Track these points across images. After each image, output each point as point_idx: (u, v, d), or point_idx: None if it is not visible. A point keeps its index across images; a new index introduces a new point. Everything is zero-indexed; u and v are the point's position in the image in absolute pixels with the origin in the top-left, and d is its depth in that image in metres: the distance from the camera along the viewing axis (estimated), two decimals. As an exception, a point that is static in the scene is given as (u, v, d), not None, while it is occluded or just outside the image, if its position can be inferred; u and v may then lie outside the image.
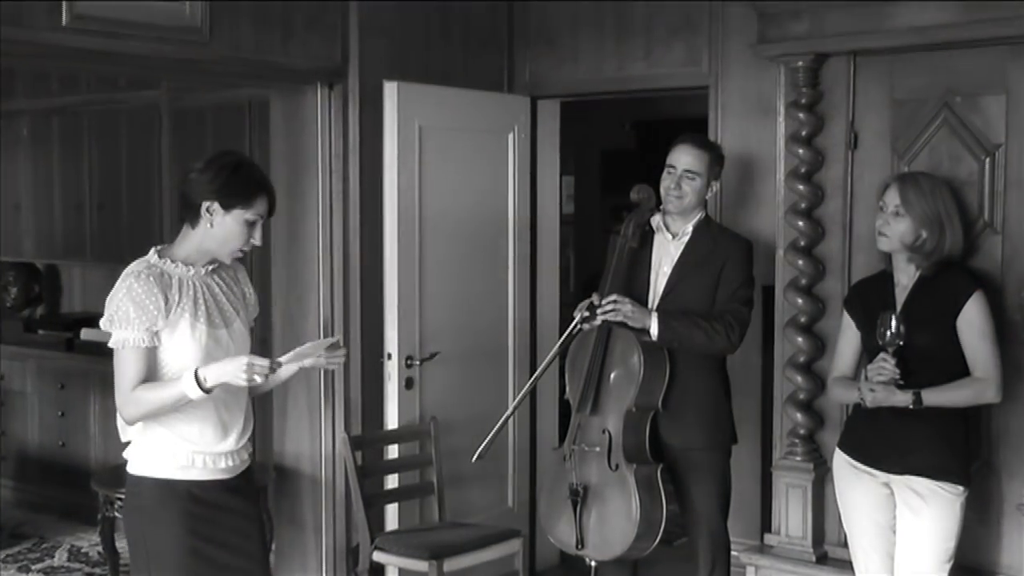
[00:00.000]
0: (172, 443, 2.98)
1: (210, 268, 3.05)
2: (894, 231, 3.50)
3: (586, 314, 3.78)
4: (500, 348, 5.16)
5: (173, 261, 2.99)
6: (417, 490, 4.68)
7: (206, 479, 3.01)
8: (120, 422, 3.03)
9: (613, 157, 8.39)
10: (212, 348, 2.97)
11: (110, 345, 2.92)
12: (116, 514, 4.70)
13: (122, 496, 4.62)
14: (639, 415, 3.79)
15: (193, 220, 2.99)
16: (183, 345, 2.93)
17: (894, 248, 3.53)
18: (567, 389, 3.94)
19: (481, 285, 5.04)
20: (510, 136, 5.13)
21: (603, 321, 3.78)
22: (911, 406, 3.40)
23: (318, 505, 4.67)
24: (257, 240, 3.01)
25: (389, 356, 4.65)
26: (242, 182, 2.97)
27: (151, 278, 2.91)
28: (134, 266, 2.97)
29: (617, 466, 3.76)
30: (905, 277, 3.56)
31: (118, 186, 6.34)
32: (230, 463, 3.06)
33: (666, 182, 3.90)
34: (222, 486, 3.05)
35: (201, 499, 3.00)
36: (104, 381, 5.95)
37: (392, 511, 4.65)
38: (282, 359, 2.96)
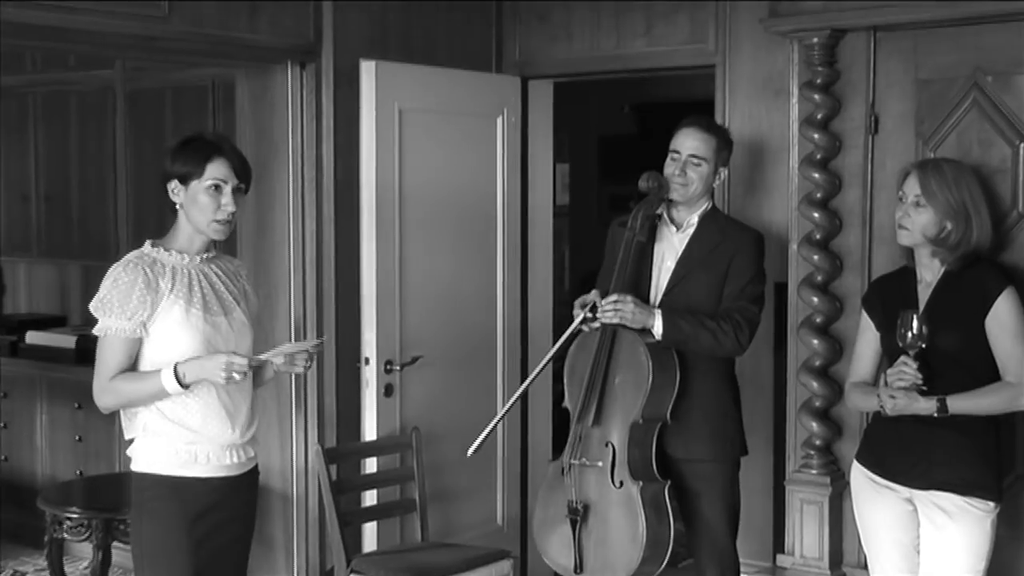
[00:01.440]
0: (175, 437, 3.16)
1: (207, 256, 3.26)
2: (915, 223, 3.51)
3: (588, 314, 3.78)
4: (488, 352, 5.17)
5: (167, 250, 3.20)
6: (397, 507, 4.69)
7: (211, 476, 3.19)
8: (124, 420, 3.22)
9: (611, 143, 8.41)
10: (211, 335, 3.17)
11: (94, 332, 3.15)
12: (65, 535, 4.71)
13: (71, 516, 4.66)
14: (646, 427, 3.80)
15: (172, 206, 3.21)
16: (178, 332, 3.12)
17: (916, 242, 3.54)
18: (565, 397, 3.95)
19: (467, 283, 5.05)
20: (499, 120, 5.14)
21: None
22: (935, 414, 3.41)
23: (289, 524, 4.68)
24: (229, 206, 3.17)
25: (367, 360, 4.66)
26: (190, 152, 3.19)
27: (139, 267, 3.12)
28: (127, 256, 3.17)
29: (621, 483, 3.76)
30: (929, 273, 3.58)
31: (67, 175, 6.34)
32: (235, 459, 3.25)
33: (670, 168, 3.91)
34: (227, 484, 3.24)
35: (205, 497, 3.18)
36: (52, 389, 6.01)
37: (370, 530, 4.67)
38: (262, 357, 3.15)
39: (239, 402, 3.26)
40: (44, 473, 6.12)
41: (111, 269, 3.15)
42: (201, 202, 3.16)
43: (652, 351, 3.74)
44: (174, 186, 3.19)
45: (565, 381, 3.94)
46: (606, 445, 3.80)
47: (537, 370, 3.92)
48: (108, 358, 3.14)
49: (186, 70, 5.59)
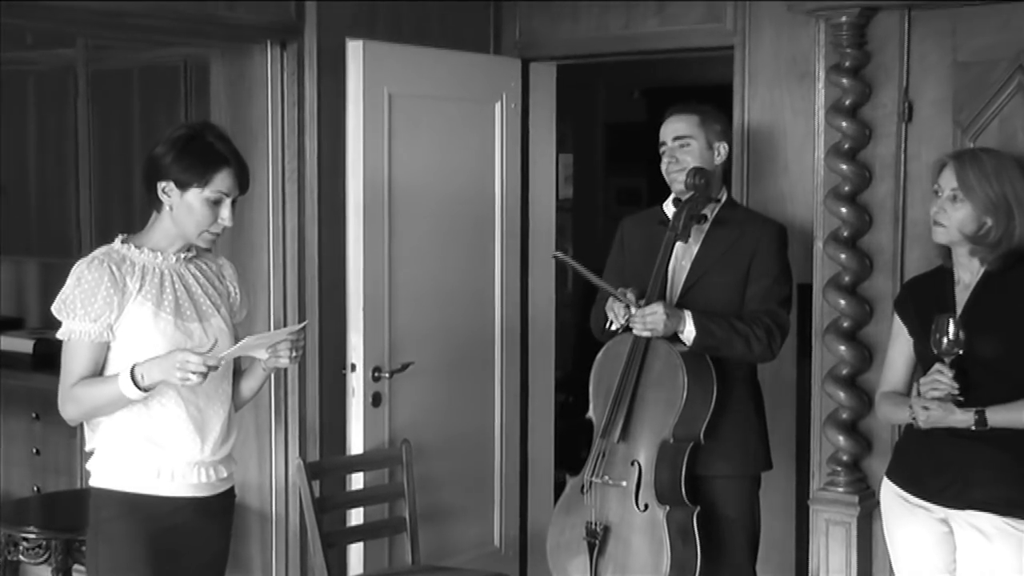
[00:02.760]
0: (138, 450, 3.14)
1: (185, 256, 3.24)
2: (952, 219, 3.51)
3: (623, 322, 3.80)
4: (485, 358, 5.18)
5: (139, 247, 3.18)
6: (386, 527, 4.69)
7: (175, 495, 3.16)
8: (88, 431, 3.21)
9: (619, 131, 8.41)
10: (181, 342, 3.14)
11: (57, 336, 3.14)
12: (21, 557, 4.70)
13: (28, 536, 4.66)
14: (676, 447, 3.80)
15: (156, 204, 3.19)
16: (144, 337, 3.10)
17: (952, 240, 3.54)
18: (590, 408, 3.96)
19: (462, 283, 5.06)
20: (497, 106, 5.14)
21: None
22: (973, 427, 3.41)
23: (267, 545, 4.68)
24: (227, 220, 3.18)
25: (353, 367, 4.67)
26: (195, 157, 3.15)
27: (105, 265, 3.10)
28: (94, 252, 3.17)
29: (646, 506, 3.77)
30: (967, 274, 3.58)
31: (24, 165, 6.33)
32: (204, 478, 3.22)
33: (664, 164, 3.99)
34: (195, 506, 3.20)
35: (169, 520, 3.15)
36: (7, 397, 5.98)
37: (356, 552, 4.67)
38: (222, 355, 3.08)
39: (211, 415, 3.23)
40: (-2, 490, 6.13)
41: (75, 267, 3.14)
42: (198, 212, 3.15)
43: (689, 364, 3.75)
44: (167, 187, 3.15)
45: (591, 391, 3.96)
46: (632, 464, 3.81)
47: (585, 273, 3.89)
48: (72, 364, 3.12)
49: (155, 49, 5.58)
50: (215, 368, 3.02)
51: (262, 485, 4.67)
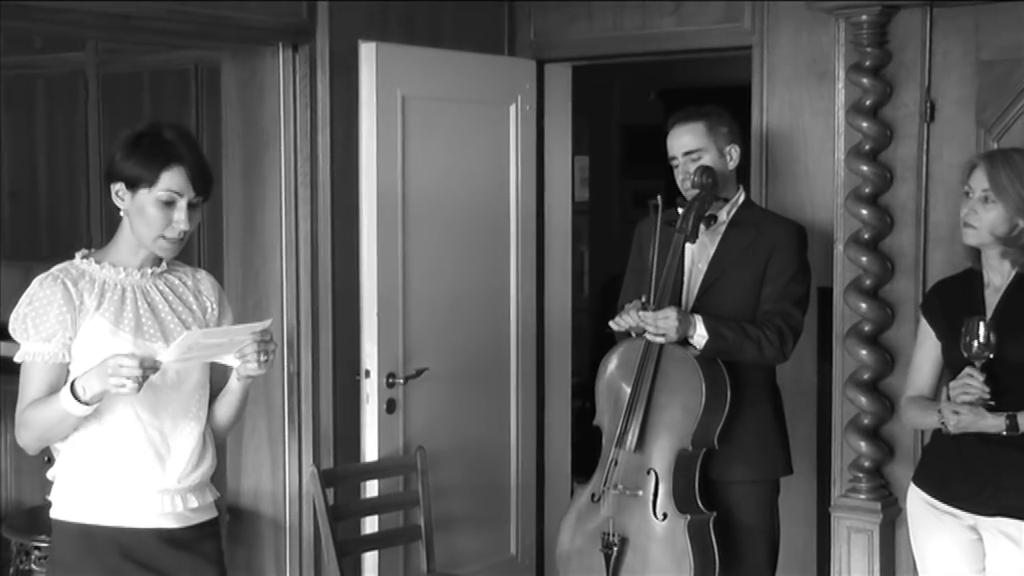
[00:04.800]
0: (95, 477, 2.96)
1: (153, 272, 3.04)
2: (983, 221, 3.49)
3: (634, 326, 3.78)
4: (500, 363, 5.17)
5: (99, 263, 2.99)
6: (401, 535, 4.68)
7: (138, 527, 2.97)
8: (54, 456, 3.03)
9: (636, 133, 8.41)
10: None
11: (15, 359, 2.95)
12: (33, 566, 4.71)
13: (40, 544, 4.66)
14: (693, 454, 3.80)
15: (118, 210, 3.00)
16: (100, 357, 2.83)
17: (983, 241, 3.53)
18: (597, 414, 3.94)
19: (477, 288, 5.05)
20: (512, 108, 5.14)
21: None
22: (1004, 432, 3.39)
23: (281, 553, 4.67)
24: (182, 224, 2.94)
25: (367, 373, 4.66)
26: (142, 154, 2.94)
27: (59, 281, 2.92)
28: (52, 268, 2.99)
29: (665, 515, 3.76)
30: (998, 276, 3.56)
31: (35, 169, 6.35)
32: (168, 507, 2.99)
33: (679, 179, 3.96)
34: (161, 538, 2.99)
35: (131, 554, 2.96)
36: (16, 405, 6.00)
37: (371, 560, 4.66)
38: (162, 357, 2.81)
39: (176, 441, 3.00)
40: (9, 498, 6.12)
41: (31, 284, 2.94)
42: (149, 215, 2.93)
43: (705, 371, 3.73)
44: (119, 189, 2.95)
45: (599, 398, 3.94)
46: (648, 472, 3.79)
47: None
48: (27, 388, 2.90)
49: (165, 52, 5.60)
50: (153, 370, 2.76)
51: (275, 493, 4.67)
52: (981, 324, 3.37)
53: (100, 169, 5.87)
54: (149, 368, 2.75)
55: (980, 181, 3.51)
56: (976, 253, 3.60)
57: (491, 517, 5.14)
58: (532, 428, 5.32)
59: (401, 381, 4.71)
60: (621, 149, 8.57)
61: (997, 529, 3.47)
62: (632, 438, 3.80)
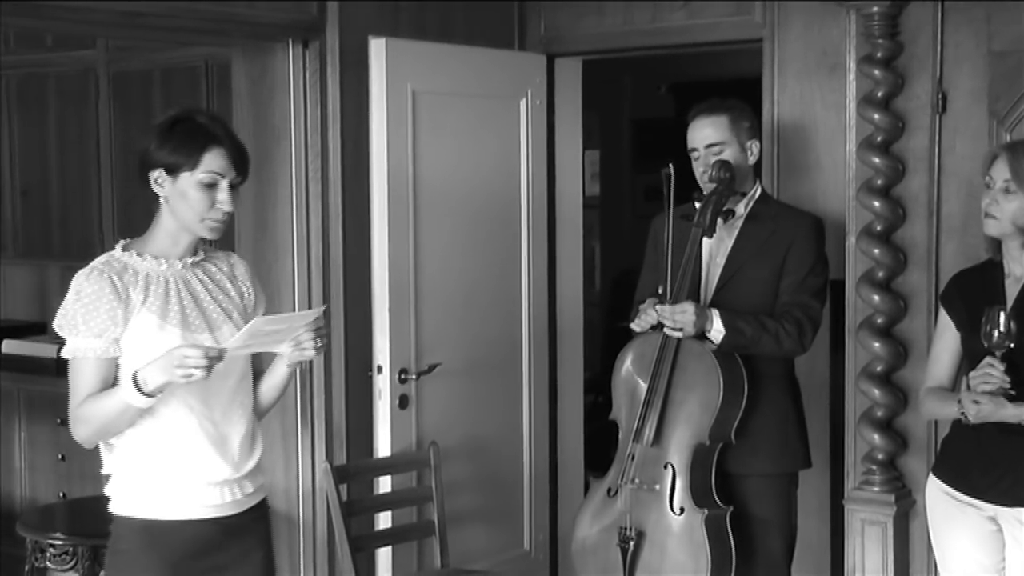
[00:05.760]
0: (154, 472, 3.00)
1: (191, 261, 3.07)
2: (1005, 211, 3.48)
3: (652, 320, 3.79)
4: (512, 359, 5.17)
5: (140, 255, 3.01)
6: (414, 531, 4.69)
7: (200, 518, 3.02)
8: (103, 451, 3.06)
9: (646, 127, 8.40)
10: None
11: (63, 355, 2.98)
12: (48, 564, 4.72)
13: (55, 542, 4.68)
14: (710, 449, 3.80)
15: (155, 201, 3.02)
16: (149, 352, 2.89)
17: (1004, 232, 3.52)
18: (615, 409, 3.95)
19: (489, 283, 5.06)
20: (522, 103, 5.14)
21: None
22: (1025, 422, 3.40)
23: (295, 549, 4.68)
24: (226, 205, 2.98)
25: (379, 369, 4.67)
26: (181, 138, 2.97)
27: (105, 276, 2.93)
28: (93, 262, 3.00)
29: (682, 510, 3.76)
30: (1018, 267, 3.55)
31: (46, 167, 6.36)
32: (228, 496, 3.06)
33: (698, 172, 3.95)
34: (222, 527, 3.05)
35: (191, 544, 3.01)
36: (32, 404, 6.03)
37: (384, 556, 4.67)
38: (226, 345, 2.89)
39: (228, 430, 3.05)
40: (24, 496, 6.14)
41: (74, 279, 2.95)
42: (192, 198, 2.95)
43: (722, 365, 3.74)
44: (158, 176, 2.97)
45: (615, 392, 3.95)
46: (665, 467, 3.80)
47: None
48: (79, 384, 2.94)
49: (176, 50, 5.60)
50: (218, 359, 2.81)
51: (289, 489, 4.68)
52: (1002, 313, 3.36)
53: (112, 167, 5.89)
54: (215, 357, 2.81)
55: (1002, 171, 3.50)
56: (996, 243, 3.59)
57: (504, 512, 5.14)
58: (544, 423, 5.33)
59: (413, 377, 4.72)
60: (632, 143, 8.56)
61: (1017, 519, 3.47)
62: (649, 432, 3.81)
